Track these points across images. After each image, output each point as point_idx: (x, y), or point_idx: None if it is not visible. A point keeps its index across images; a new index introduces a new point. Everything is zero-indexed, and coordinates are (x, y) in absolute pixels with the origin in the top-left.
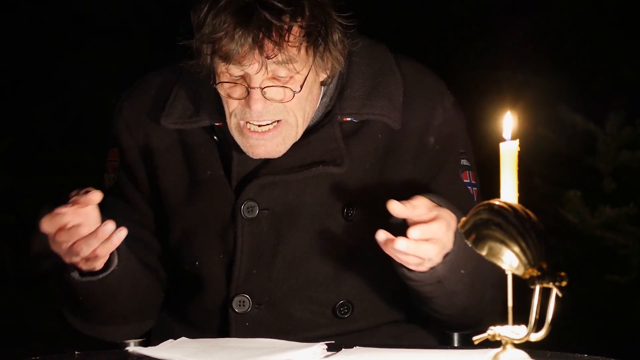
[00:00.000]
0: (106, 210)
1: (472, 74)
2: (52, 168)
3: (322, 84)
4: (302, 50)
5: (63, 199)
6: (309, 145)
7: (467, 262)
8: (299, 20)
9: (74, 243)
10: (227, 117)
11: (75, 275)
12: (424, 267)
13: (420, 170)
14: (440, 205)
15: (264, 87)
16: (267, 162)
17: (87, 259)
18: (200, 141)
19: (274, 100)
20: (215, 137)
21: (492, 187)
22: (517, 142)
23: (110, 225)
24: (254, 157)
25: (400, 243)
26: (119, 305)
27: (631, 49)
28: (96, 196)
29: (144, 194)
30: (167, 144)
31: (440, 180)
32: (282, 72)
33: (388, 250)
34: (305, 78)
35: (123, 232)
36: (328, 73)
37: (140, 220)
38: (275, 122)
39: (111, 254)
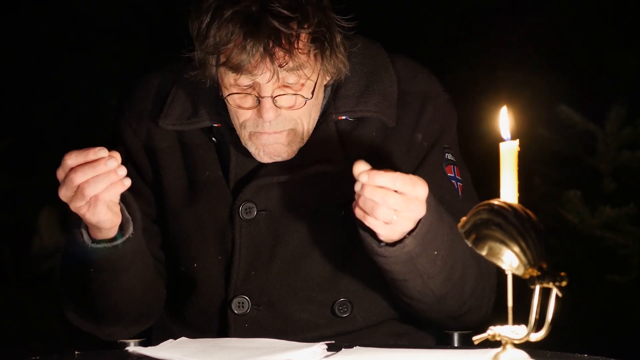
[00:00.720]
0: None
1: (472, 74)
2: (52, 168)
3: (325, 86)
4: (311, 56)
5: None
6: (306, 145)
7: (440, 243)
8: (306, 26)
9: (84, 182)
10: (237, 128)
11: (89, 241)
12: (394, 232)
13: (409, 166)
14: None
15: (275, 96)
16: (264, 163)
17: (89, 204)
18: (198, 142)
19: (285, 107)
20: (213, 139)
21: (492, 187)
22: (517, 142)
23: (102, 151)
24: (264, 159)
25: (362, 176)
26: (128, 284)
27: (631, 49)
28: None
29: (150, 189)
30: (167, 144)
31: (423, 172)
32: (292, 79)
33: (356, 212)
34: (316, 83)
35: (127, 181)
36: (333, 76)
37: (148, 213)
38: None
39: (126, 223)
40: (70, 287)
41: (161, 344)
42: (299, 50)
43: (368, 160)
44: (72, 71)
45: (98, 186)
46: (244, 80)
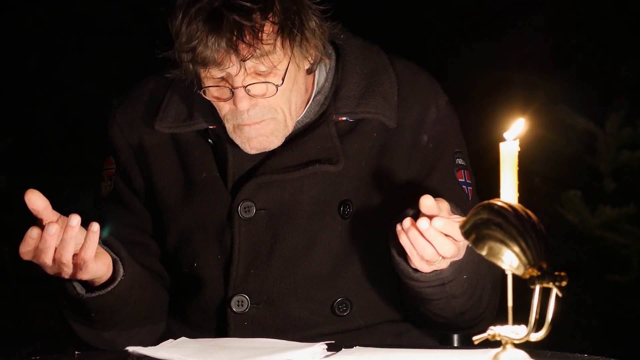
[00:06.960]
0: (105, 218)
1: (471, 74)
2: (52, 168)
3: (309, 71)
4: (278, 45)
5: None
6: (305, 144)
7: (469, 266)
8: (270, 16)
9: (55, 253)
10: (223, 121)
11: (83, 292)
12: (429, 268)
13: (415, 168)
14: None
15: (247, 85)
16: (263, 162)
17: (79, 267)
18: (194, 143)
19: (258, 96)
20: (209, 141)
21: (492, 187)
22: (517, 142)
23: (74, 219)
24: (251, 151)
25: (423, 222)
26: (131, 312)
27: (631, 49)
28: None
29: (141, 197)
30: (161, 146)
31: (434, 178)
32: (263, 67)
33: (403, 241)
34: (286, 70)
35: (95, 226)
36: (311, 60)
37: (139, 225)
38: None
39: (116, 264)
40: (73, 323)
41: (161, 344)
42: (264, 42)
43: (367, 160)
44: (71, 71)
45: (67, 249)
46: (215, 72)
